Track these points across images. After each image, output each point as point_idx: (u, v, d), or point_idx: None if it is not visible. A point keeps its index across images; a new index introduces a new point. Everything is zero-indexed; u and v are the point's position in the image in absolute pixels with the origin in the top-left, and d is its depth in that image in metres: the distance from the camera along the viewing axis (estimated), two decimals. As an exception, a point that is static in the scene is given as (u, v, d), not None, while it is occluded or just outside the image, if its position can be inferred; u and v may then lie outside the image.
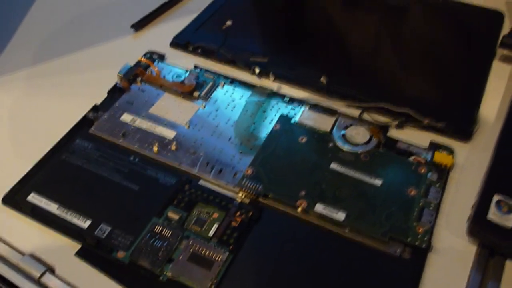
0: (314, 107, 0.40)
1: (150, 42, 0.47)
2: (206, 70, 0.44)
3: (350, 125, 0.38)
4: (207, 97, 0.41)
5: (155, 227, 0.33)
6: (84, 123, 0.40)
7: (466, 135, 0.38)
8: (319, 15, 0.50)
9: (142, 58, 0.44)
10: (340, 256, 0.32)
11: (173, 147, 0.37)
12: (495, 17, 0.48)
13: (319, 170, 0.35)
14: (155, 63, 0.45)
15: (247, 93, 0.41)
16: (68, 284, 0.31)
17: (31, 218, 0.34)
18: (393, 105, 0.39)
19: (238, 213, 0.33)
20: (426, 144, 0.37)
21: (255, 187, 0.34)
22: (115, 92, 0.42)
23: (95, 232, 0.33)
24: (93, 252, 0.32)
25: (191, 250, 0.32)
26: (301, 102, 0.41)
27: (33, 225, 0.34)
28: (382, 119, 0.40)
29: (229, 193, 0.35)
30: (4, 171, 0.37)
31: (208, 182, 0.36)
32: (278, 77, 0.43)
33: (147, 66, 0.44)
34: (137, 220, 0.33)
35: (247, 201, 0.34)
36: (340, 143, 0.37)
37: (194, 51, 0.46)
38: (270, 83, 0.43)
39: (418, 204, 0.33)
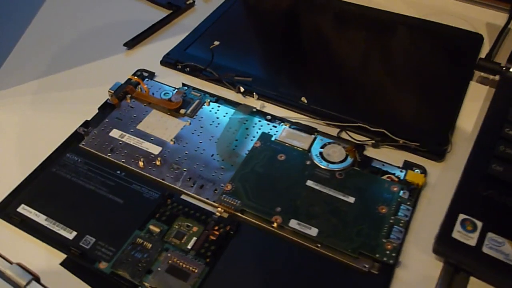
0: (295, 125, 0.42)
1: (142, 60, 0.49)
2: (194, 88, 0.46)
3: (328, 143, 0.40)
4: (192, 114, 0.43)
5: (136, 239, 0.34)
6: (75, 138, 0.42)
7: (439, 155, 0.39)
8: (301, 39, 0.53)
9: (133, 76, 0.46)
10: (312, 270, 0.33)
11: (158, 163, 0.39)
12: (475, 39, 0.50)
13: (295, 187, 0.37)
14: (145, 80, 0.47)
15: (231, 111, 0.43)
16: (52, 293, 0.33)
17: (20, 229, 0.36)
18: (370, 125, 0.40)
19: (216, 227, 0.35)
20: (400, 163, 0.39)
21: (233, 202, 0.36)
22: (105, 108, 0.44)
23: (80, 243, 0.35)
24: (77, 263, 0.34)
25: (169, 262, 0.33)
26: (282, 120, 0.42)
27: (22, 236, 0.36)
28: (359, 138, 0.41)
29: (209, 208, 0.37)
30: (-4, 183, 0.39)
31: (190, 196, 0.37)
32: (262, 96, 0.45)
33: (137, 84, 0.46)
34: (120, 232, 0.35)
35: (226, 215, 0.36)
36: (317, 161, 0.39)
37: (182, 70, 0.48)
38: (254, 102, 0.45)
39: (388, 221, 0.35)
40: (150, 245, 0.34)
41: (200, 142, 0.41)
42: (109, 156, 0.40)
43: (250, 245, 0.35)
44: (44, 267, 0.34)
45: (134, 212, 0.36)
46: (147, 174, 0.39)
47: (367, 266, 0.33)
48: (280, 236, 0.35)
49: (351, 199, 0.36)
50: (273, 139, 0.41)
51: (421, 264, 0.33)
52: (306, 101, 0.43)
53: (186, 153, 0.40)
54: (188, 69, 0.48)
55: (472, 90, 0.45)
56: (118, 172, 0.39)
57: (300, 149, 0.40)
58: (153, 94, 0.45)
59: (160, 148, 0.40)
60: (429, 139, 0.40)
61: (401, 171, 0.38)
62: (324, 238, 0.34)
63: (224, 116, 0.43)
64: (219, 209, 0.36)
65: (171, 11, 0.55)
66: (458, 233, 0.32)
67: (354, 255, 0.33)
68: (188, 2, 0.56)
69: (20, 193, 0.38)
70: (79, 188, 0.38)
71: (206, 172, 0.39)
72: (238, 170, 0.38)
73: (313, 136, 0.41)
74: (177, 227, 0.35)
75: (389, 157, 0.40)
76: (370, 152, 0.40)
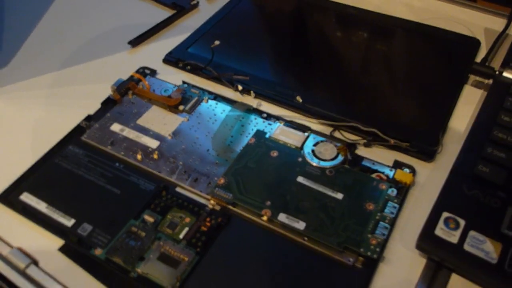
0: (289, 123, 0.43)
1: (145, 58, 0.51)
2: (193, 86, 0.47)
3: (321, 141, 0.41)
4: (191, 111, 0.45)
5: (131, 228, 0.36)
6: (77, 131, 0.44)
7: (429, 155, 0.40)
8: (299, 40, 0.54)
9: (135, 73, 0.48)
10: (298, 262, 0.34)
11: (155, 156, 0.41)
12: (472, 44, 0.51)
13: (286, 182, 0.38)
14: (147, 78, 0.48)
15: (229, 108, 0.45)
16: (50, 276, 0.34)
17: (22, 215, 0.37)
18: (363, 124, 0.41)
19: (208, 219, 0.36)
20: (391, 162, 0.40)
21: (225, 195, 0.37)
22: (108, 104, 0.46)
23: (78, 230, 0.36)
24: (74, 249, 0.35)
25: (161, 250, 0.35)
26: (277, 118, 0.44)
27: (23, 222, 0.37)
28: (352, 137, 0.42)
29: (202, 200, 0.38)
30: (1, 173, 0.41)
31: (184, 189, 0.39)
32: (258, 95, 0.46)
33: (139, 81, 0.47)
34: (116, 221, 0.37)
35: (218, 208, 0.37)
36: (308, 158, 0.40)
37: (183, 68, 0.49)
38: (251, 100, 0.46)
39: (375, 217, 0.36)
40: (144, 233, 0.36)
41: (197, 138, 0.42)
42: (109, 149, 0.42)
43: (240, 237, 0.36)
44: (43, 251, 0.35)
45: (130, 203, 0.38)
46: (144, 167, 0.40)
47: (351, 260, 0.34)
48: (269, 229, 0.36)
49: (340, 196, 0.37)
50: (267, 136, 0.42)
51: (404, 260, 0.34)
52: (301, 100, 0.44)
53: (182, 148, 0.42)
54: (189, 67, 0.49)
55: (466, 93, 0.46)
56: (117, 164, 0.41)
57: (293, 147, 0.41)
58: (154, 90, 0.47)
59: (158, 142, 0.42)
60: (420, 139, 0.41)
61: (391, 170, 0.39)
62: (311, 231, 0.35)
63: (222, 113, 0.44)
64: (212, 201, 0.38)
65: (175, 11, 0.57)
66: (441, 230, 0.33)
67: (339, 249, 0.34)
68: (192, 3, 0.58)
69: (23, 182, 0.40)
70: (79, 179, 0.40)
71: (201, 166, 0.40)
72: (231, 165, 0.40)
73: (306, 134, 0.42)
74: (170, 217, 0.37)
75: (380, 156, 0.41)
76: (361, 151, 0.41)
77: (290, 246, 0.35)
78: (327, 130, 0.43)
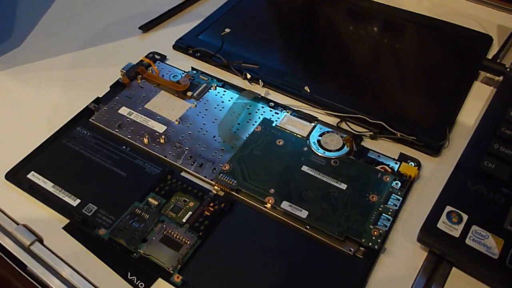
0: (296, 113, 0.43)
1: (155, 44, 0.51)
2: (202, 73, 0.47)
3: (327, 132, 0.41)
4: (199, 97, 0.45)
5: (135, 210, 0.36)
6: (86, 113, 0.44)
7: (435, 150, 0.40)
8: (310, 31, 0.54)
9: (145, 58, 0.48)
10: (300, 250, 0.34)
11: (162, 140, 0.41)
12: (484, 40, 0.50)
13: (290, 171, 0.38)
14: (156, 63, 0.48)
15: (236, 96, 0.45)
16: (54, 253, 0.35)
17: (29, 194, 0.38)
18: (370, 117, 0.41)
19: (211, 204, 0.37)
20: (396, 155, 0.40)
21: (230, 182, 0.38)
22: (117, 87, 0.46)
23: (83, 210, 0.37)
24: (78, 228, 0.36)
25: (164, 232, 0.35)
26: (284, 107, 0.44)
27: (29, 200, 0.38)
28: (358, 129, 0.42)
29: (206, 186, 0.38)
30: (10, 151, 0.41)
31: (189, 174, 0.39)
32: (267, 84, 0.46)
33: (149, 65, 0.47)
34: (120, 203, 0.37)
35: (221, 194, 0.38)
36: (314, 148, 0.40)
37: (193, 55, 0.50)
38: (259, 89, 0.46)
39: (378, 209, 0.36)
40: (148, 216, 0.36)
41: (204, 124, 0.43)
42: (116, 131, 0.42)
43: (242, 223, 0.36)
44: (48, 230, 0.36)
45: (135, 185, 0.38)
46: (151, 151, 0.40)
47: (352, 249, 0.34)
48: (272, 216, 0.36)
49: (343, 186, 0.37)
50: (273, 124, 0.42)
51: (406, 252, 0.34)
52: (309, 90, 0.44)
53: (189, 133, 0.42)
54: (198, 54, 0.49)
55: (476, 89, 0.46)
56: (124, 147, 0.41)
57: (299, 136, 0.41)
58: (163, 76, 0.47)
59: (165, 127, 0.42)
60: (426, 133, 0.40)
61: (396, 163, 0.39)
62: (313, 220, 0.35)
63: (229, 100, 0.45)
64: (216, 187, 0.38)
65: (187, -2, 0.57)
66: (443, 224, 0.33)
67: (340, 239, 0.34)
68: (204, -9, 0.58)
69: (31, 161, 0.40)
70: (86, 160, 0.40)
71: (206, 152, 0.40)
72: (237, 152, 0.40)
73: (313, 124, 0.42)
74: (174, 201, 0.37)
75: (386, 149, 0.41)
76: (367, 143, 0.41)
77: (292, 234, 0.35)
78: (334, 121, 0.43)
